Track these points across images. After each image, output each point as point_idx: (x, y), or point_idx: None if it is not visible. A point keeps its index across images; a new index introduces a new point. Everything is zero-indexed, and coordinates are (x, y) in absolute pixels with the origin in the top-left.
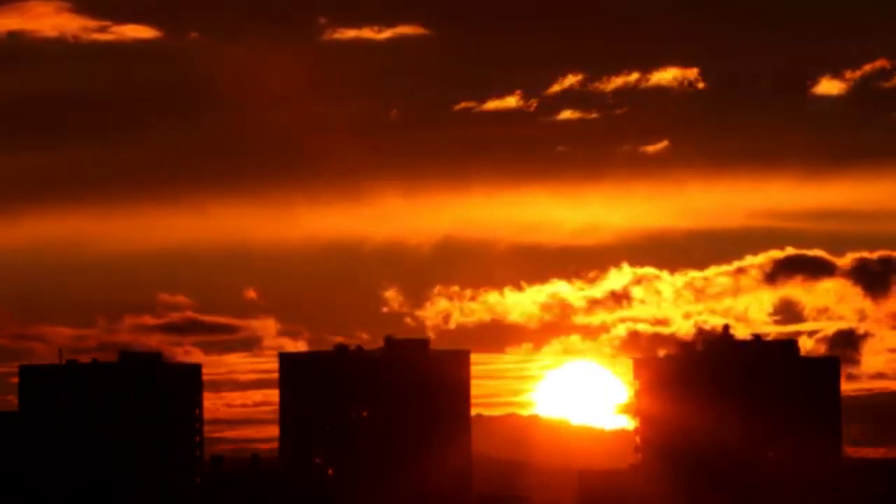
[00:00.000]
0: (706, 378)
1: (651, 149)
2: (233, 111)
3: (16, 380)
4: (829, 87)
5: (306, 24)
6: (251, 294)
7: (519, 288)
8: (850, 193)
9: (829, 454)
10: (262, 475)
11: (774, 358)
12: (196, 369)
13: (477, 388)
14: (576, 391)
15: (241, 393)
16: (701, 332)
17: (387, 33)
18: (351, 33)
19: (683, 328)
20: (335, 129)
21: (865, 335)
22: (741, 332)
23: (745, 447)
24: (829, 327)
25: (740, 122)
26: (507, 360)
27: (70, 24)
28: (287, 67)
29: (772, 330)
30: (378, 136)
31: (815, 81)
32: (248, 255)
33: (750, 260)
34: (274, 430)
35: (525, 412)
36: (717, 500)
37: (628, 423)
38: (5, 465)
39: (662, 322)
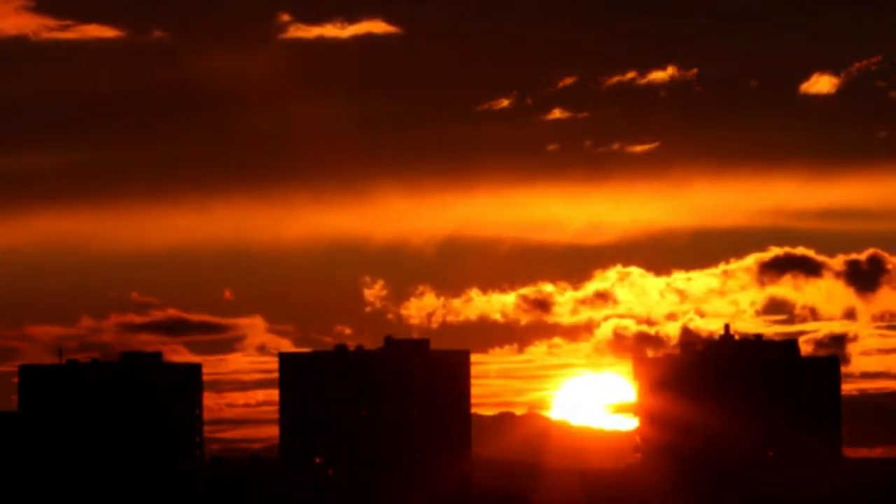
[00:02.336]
0: (706, 378)
1: (650, 148)
2: (226, 111)
3: (16, 380)
4: (821, 85)
5: (269, 21)
6: (241, 293)
7: (512, 287)
8: (844, 193)
9: (829, 454)
10: (262, 475)
11: (774, 358)
12: (196, 369)
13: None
14: (575, 391)
15: (241, 393)
16: (687, 332)
17: (350, 30)
18: (315, 30)
19: (671, 329)
20: (335, 129)
21: (856, 335)
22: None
23: (745, 447)
24: (820, 327)
25: (740, 121)
26: (500, 360)
27: (31, 24)
28: (269, 65)
29: (759, 330)
30: (379, 135)
31: (807, 79)
32: (248, 255)
33: (746, 260)
34: (272, 431)
35: (520, 412)
36: (717, 499)
37: (628, 423)
38: (5, 465)
39: (649, 322)
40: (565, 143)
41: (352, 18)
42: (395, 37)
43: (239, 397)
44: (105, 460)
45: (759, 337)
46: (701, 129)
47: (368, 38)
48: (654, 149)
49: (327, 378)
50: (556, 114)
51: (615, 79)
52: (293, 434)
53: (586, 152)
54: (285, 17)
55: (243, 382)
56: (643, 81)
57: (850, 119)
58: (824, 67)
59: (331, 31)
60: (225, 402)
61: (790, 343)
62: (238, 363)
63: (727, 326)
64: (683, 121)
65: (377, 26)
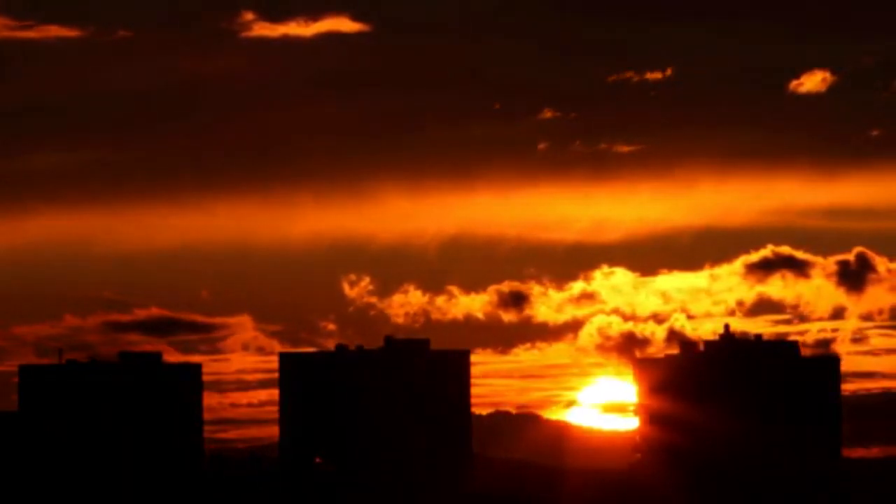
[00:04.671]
0: (707, 378)
1: (654, 147)
2: (224, 110)
3: (16, 380)
4: (814, 83)
5: (233, 19)
6: (233, 293)
7: (504, 286)
8: (839, 192)
9: (829, 454)
10: (261, 475)
11: (775, 358)
12: (196, 369)
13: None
14: (571, 391)
15: (242, 393)
16: (673, 333)
17: (315, 27)
18: (280, 29)
19: (660, 329)
20: (338, 129)
21: (846, 335)
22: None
23: (745, 447)
24: (810, 327)
25: (740, 120)
26: (487, 360)
27: None
28: (247, 64)
29: (751, 330)
30: (382, 134)
31: (799, 78)
32: (248, 256)
33: (737, 260)
34: (273, 430)
35: (514, 411)
36: (716, 499)
37: (628, 422)
38: (5, 465)
39: (638, 321)
40: (568, 142)
41: (316, 16)
42: (364, 35)
43: (238, 397)
44: (104, 460)
45: (759, 337)
46: (705, 129)
47: (334, 36)
48: (659, 148)
49: (327, 378)
50: (556, 113)
51: (613, 77)
52: (293, 434)
53: (589, 152)
54: (249, 16)
55: (244, 382)
56: (645, 80)
57: (844, 118)
58: (818, 66)
59: (295, 29)
60: (220, 402)
61: (790, 343)
62: (235, 363)
63: (727, 326)
64: (688, 120)
65: (343, 24)
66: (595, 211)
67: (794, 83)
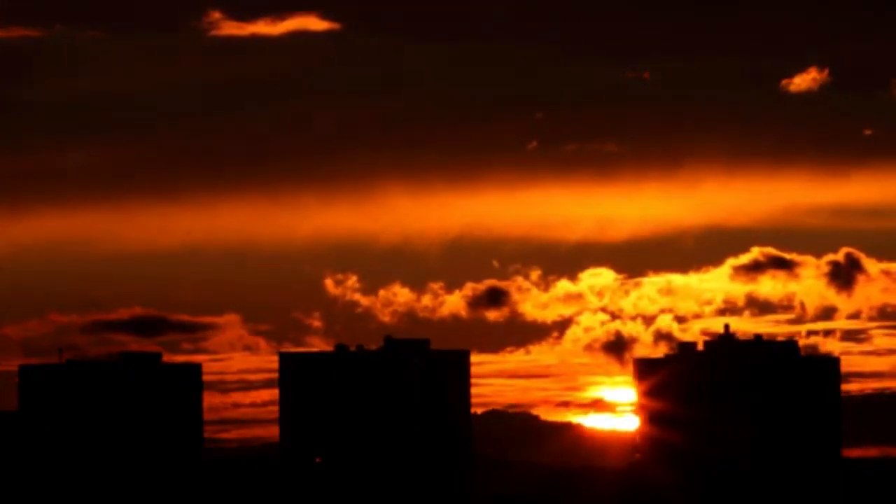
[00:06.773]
0: (707, 377)
1: (657, 147)
2: (218, 110)
3: (16, 379)
4: (808, 82)
5: (199, 19)
6: (226, 292)
7: (497, 285)
8: (832, 192)
9: (829, 454)
10: (261, 475)
11: (775, 358)
12: (197, 369)
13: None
14: (573, 390)
15: (243, 393)
16: (660, 334)
17: (282, 27)
18: (248, 28)
19: (654, 329)
20: (339, 129)
21: (837, 336)
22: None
23: (745, 447)
24: (802, 328)
25: (744, 120)
26: (478, 359)
27: None
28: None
29: (744, 331)
30: (387, 134)
31: (794, 77)
32: (250, 256)
33: (730, 260)
34: (273, 430)
35: (515, 410)
36: (716, 499)
37: (628, 423)
38: (5, 464)
39: (631, 321)
40: (569, 143)
41: (283, 15)
42: (333, 34)
43: (239, 397)
44: (104, 460)
45: (758, 337)
46: (710, 129)
47: (303, 35)
48: (662, 148)
49: (327, 378)
50: (556, 113)
51: (615, 77)
52: (293, 434)
53: (591, 152)
54: (216, 15)
55: (244, 382)
56: (649, 79)
57: (839, 116)
58: (812, 64)
59: (263, 28)
60: (221, 403)
61: (790, 343)
62: (237, 363)
63: (727, 326)
64: (691, 120)
65: (311, 23)
66: (599, 211)
67: (785, 81)
